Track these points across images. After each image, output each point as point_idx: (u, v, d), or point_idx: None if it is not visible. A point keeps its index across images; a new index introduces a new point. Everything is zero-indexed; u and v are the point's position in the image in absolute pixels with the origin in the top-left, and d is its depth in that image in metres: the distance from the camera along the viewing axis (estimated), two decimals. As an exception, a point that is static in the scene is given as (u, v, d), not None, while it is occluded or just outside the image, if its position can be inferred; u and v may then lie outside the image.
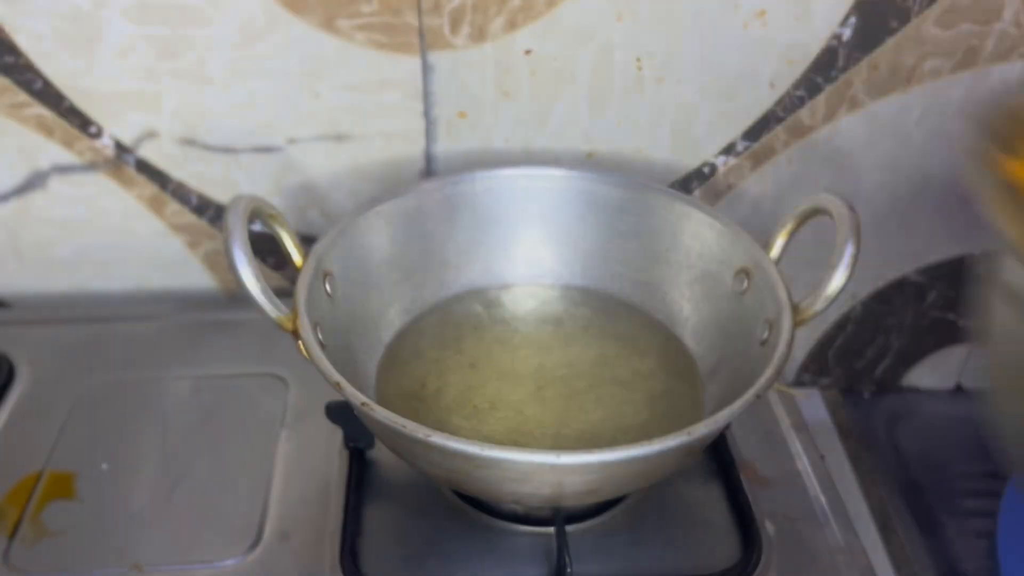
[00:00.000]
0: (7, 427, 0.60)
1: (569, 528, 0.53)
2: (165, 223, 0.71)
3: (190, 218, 0.70)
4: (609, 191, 0.62)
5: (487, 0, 0.61)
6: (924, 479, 0.76)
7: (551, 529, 0.52)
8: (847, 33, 0.63)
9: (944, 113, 0.68)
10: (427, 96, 0.65)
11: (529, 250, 0.64)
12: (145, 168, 0.67)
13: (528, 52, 0.64)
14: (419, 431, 0.41)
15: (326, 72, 0.63)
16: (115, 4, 0.59)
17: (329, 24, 0.61)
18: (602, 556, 0.52)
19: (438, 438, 0.41)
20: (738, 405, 0.44)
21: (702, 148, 0.69)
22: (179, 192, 0.69)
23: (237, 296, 0.75)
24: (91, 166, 0.67)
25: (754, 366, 0.49)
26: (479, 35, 0.62)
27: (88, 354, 0.66)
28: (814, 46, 0.64)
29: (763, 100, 0.67)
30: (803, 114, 0.67)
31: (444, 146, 0.68)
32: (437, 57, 0.63)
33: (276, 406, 0.62)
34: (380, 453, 0.57)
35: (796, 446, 0.60)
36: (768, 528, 0.53)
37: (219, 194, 0.69)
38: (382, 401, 0.54)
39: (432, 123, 0.67)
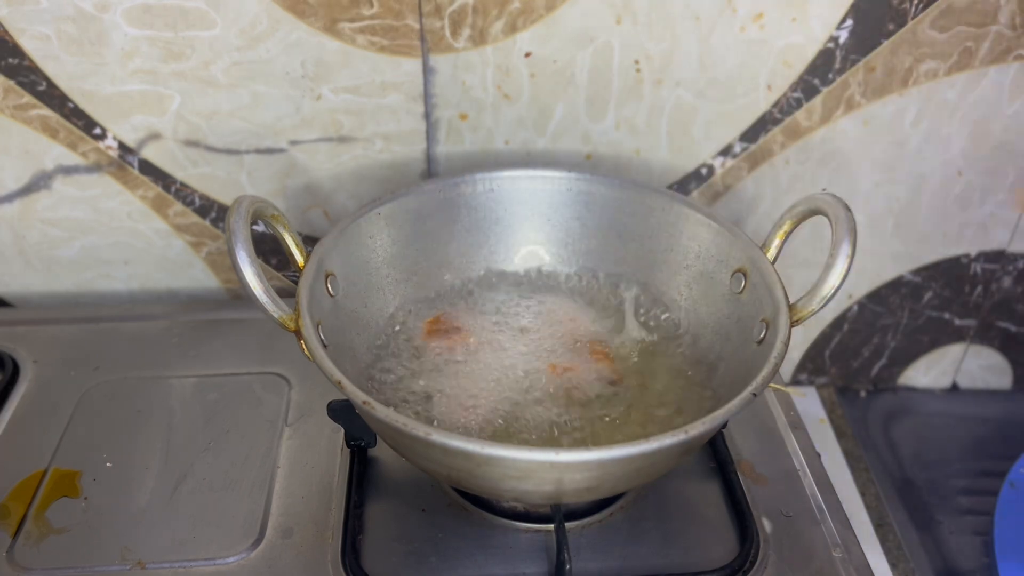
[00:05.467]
0: (12, 426, 0.61)
1: (569, 525, 0.53)
2: (168, 224, 0.71)
3: (193, 219, 0.71)
4: (608, 192, 0.62)
5: (487, 3, 0.61)
6: (920, 477, 0.77)
7: (551, 526, 0.53)
8: (844, 36, 0.64)
9: (940, 115, 0.68)
10: (428, 98, 0.66)
11: (529, 250, 0.65)
12: (149, 169, 0.68)
13: (528, 55, 0.64)
14: (420, 429, 0.42)
15: (328, 74, 0.64)
16: (118, 7, 0.60)
17: (331, 27, 0.61)
18: (601, 553, 0.52)
19: (439, 436, 0.42)
20: (735, 404, 0.44)
21: (700, 149, 0.70)
22: (182, 193, 0.69)
23: (240, 296, 0.76)
24: (95, 167, 0.68)
25: (751, 365, 0.50)
26: (480, 38, 0.63)
27: (92, 353, 0.67)
28: (811, 48, 0.65)
29: (760, 102, 0.67)
30: (800, 116, 0.68)
31: (445, 148, 0.69)
32: (438, 60, 0.64)
33: (279, 405, 0.62)
34: (381, 451, 0.58)
35: (793, 444, 0.60)
36: (765, 525, 0.54)
37: (222, 195, 0.70)
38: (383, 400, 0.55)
39: (433, 125, 0.67)
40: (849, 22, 0.63)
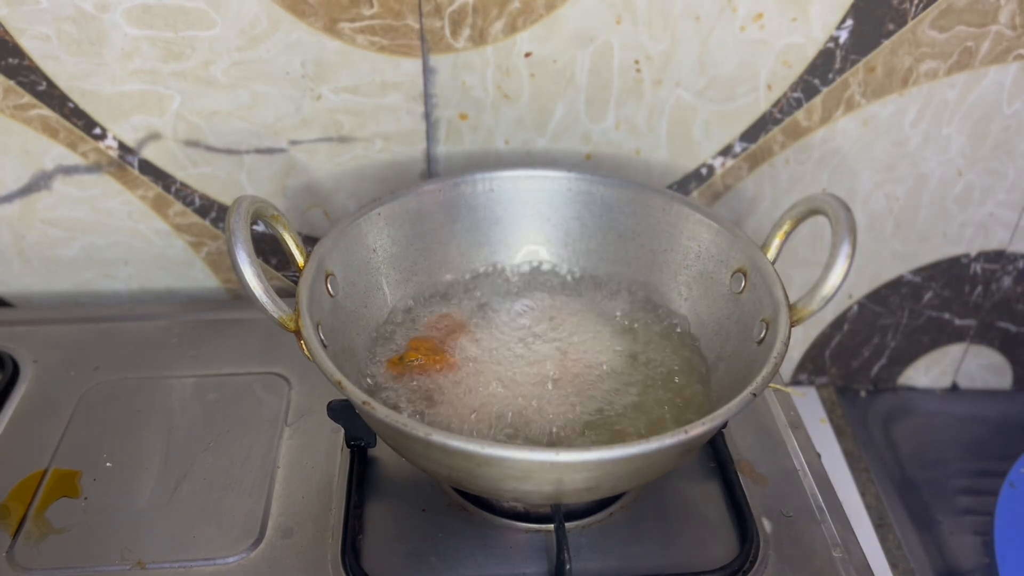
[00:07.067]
0: (12, 426, 0.61)
1: (569, 525, 0.53)
2: (168, 224, 0.71)
3: (193, 219, 0.71)
4: (607, 192, 0.62)
5: (488, 3, 0.61)
6: (920, 477, 0.77)
7: (551, 526, 0.53)
8: (844, 36, 0.64)
9: (940, 115, 0.68)
10: (428, 98, 0.66)
11: (529, 250, 0.65)
12: (149, 169, 0.68)
13: (528, 54, 0.64)
14: (420, 429, 0.42)
15: (328, 74, 0.64)
16: (118, 7, 0.60)
17: (331, 27, 0.62)
18: (601, 553, 0.52)
19: (439, 436, 0.42)
20: (735, 404, 0.44)
21: (700, 149, 0.70)
22: (182, 193, 0.69)
23: (240, 296, 0.76)
24: (95, 167, 0.68)
25: (751, 365, 0.50)
26: (480, 38, 0.63)
27: (92, 353, 0.67)
28: (811, 48, 0.65)
29: (760, 102, 0.67)
30: (800, 116, 0.68)
31: (445, 147, 0.69)
32: (438, 59, 0.64)
33: (278, 405, 0.62)
34: (381, 451, 0.58)
35: (793, 444, 0.60)
36: (765, 525, 0.54)
37: (222, 195, 0.70)
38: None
39: (433, 125, 0.67)
40: (849, 22, 0.63)
